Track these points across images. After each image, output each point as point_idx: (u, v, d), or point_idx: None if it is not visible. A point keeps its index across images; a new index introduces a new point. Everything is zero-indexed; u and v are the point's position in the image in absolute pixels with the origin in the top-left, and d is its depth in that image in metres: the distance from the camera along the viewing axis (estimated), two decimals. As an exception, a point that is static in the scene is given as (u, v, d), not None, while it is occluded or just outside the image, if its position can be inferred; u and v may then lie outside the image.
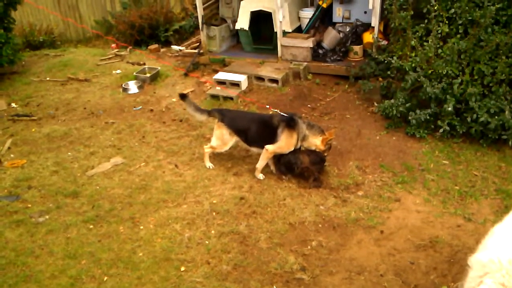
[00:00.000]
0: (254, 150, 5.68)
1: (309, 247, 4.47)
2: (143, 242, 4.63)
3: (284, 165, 5.50)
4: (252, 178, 5.55)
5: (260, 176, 5.56)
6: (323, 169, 5.54)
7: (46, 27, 12.20)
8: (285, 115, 5.51)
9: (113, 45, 10.83)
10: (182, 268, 4.26)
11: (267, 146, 5.40)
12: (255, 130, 5.52)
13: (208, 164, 5.83)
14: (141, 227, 4.84)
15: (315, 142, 5.40)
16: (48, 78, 9.12)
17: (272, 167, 5.68)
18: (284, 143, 5.36)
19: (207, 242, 4.57)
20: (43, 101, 8.16)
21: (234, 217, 4.91)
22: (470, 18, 6.04)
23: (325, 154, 5.50)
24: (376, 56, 7.07)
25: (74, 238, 4.73)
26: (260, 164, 5.52)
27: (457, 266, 4.08)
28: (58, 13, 13.03)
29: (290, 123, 5.33)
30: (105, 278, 4.20)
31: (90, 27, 13.15)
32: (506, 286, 2.58)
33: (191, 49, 9.80)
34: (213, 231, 4.71)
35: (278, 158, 5.56)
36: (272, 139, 5.37)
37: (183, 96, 5.98)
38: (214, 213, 4.98)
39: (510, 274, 2.60)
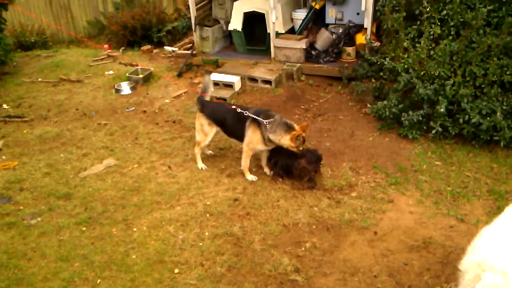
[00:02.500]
0: (233, 141, 5.75)
1: (303, 248, 4.48)
2: (137, 244, 4.61)
3: (282, 169, 5.48)
4: (245, 179, 5.54)
5: (251, 177, 5.53)
6: (319, 168, 5.54)
7: (38, 28, 12.10)
8: (255, 115, 5.30)
9: (106, 46, 10.78)
10: (176, 270, 4.25)
11: (243, 147, 5.44)
12: (231, 122, 5.50)
13: (201, 165, 5.81)
14: (134, 229, 4.82)
15: (283, 142, 5.17)
16: (40, 79, 9.05)
17: (266, 169, 5.67)
18: (250, 138, 5.35)
19: (201, 244, 4.56)
20: (35, 102, 8.10)
21: (228, 218, 4.90)
22: (462, 19, 6.09)
23: (300, 148, 5.25)
24: (369, 58, 7.10)
25: (66, 240, 4.70)
26: (243, 165, 5.52)
27: (450, 267, 4.09)
28: (50, 14, 12.96)
29: (256, 119, 5.27)
30: (98, 281, 4.18)
31: (82, 27, 13.10)
32: (507, 273, 2.57)
33: (184, 50, 9.79)
34: (207, 233, 4.70)
35: (274, 162, 5.54)
36: (244, 132, 5.38)
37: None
38: (207, 215, 4.97)
39: (509, 264, 2.60)
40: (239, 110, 5.39)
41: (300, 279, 4.11)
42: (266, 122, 5.20)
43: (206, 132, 5.68)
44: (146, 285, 4.10)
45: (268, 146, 5.38)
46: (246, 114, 5.32)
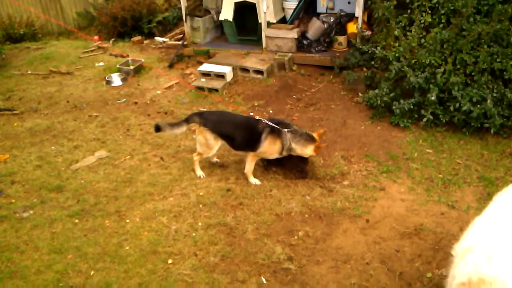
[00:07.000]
0: (240, 153, 5.52)
1: (295, 237, 4.50)
2: (130, 235, 4.61)
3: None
4: (238, 169, 5.55)
5: (254, 181, 5.31)
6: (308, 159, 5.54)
7: (27, 19, 11.95)
8: (272, 123, 5.17)
9: (96, 37, 10.69)
10: (170, 261, 4.26)
11: (250, 153, 5.24)
12: (241, 135, 5.24)
13: (199, 172, 5.51)
14: (127, 221, 4.81)
15: (306, 152, 5.14)
16: (29, 72, 8.97)
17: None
18: (267, 149, 5.17)
19: (194, 234, 4.57)
20: (25, 94, 8.03)
21: (221, 208, 4.91)
22: (452, 7, 6.11)
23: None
24: (360, 47, 7.10)
25: (59, 232, 4.69)
26: (248, 169, 5.32)
27: (442, 253, 4.14)
28: (39, 5, 12.80)
29: (274, 130, 5.12)
30: (92, 272, 4.18)
31: (71, 19, 12.97)
32: (491, 257, 2.65)
33: (175, 40, 9.73)
34: (200, 223, 4.71)
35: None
36: (257, 144, 5.14)
37: (157, 128, 5.48)
38: (200, 205, 4.97)
39: (496, 247, 2.68)
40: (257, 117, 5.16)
41: (293, 267, 4.13)
42: (287, 131, 5.09)
43: (211, 146, 5.33)
44: (140, 276, 4.10)
45: (280, 155, 5.25)
46: (263, 126, 5.13)
